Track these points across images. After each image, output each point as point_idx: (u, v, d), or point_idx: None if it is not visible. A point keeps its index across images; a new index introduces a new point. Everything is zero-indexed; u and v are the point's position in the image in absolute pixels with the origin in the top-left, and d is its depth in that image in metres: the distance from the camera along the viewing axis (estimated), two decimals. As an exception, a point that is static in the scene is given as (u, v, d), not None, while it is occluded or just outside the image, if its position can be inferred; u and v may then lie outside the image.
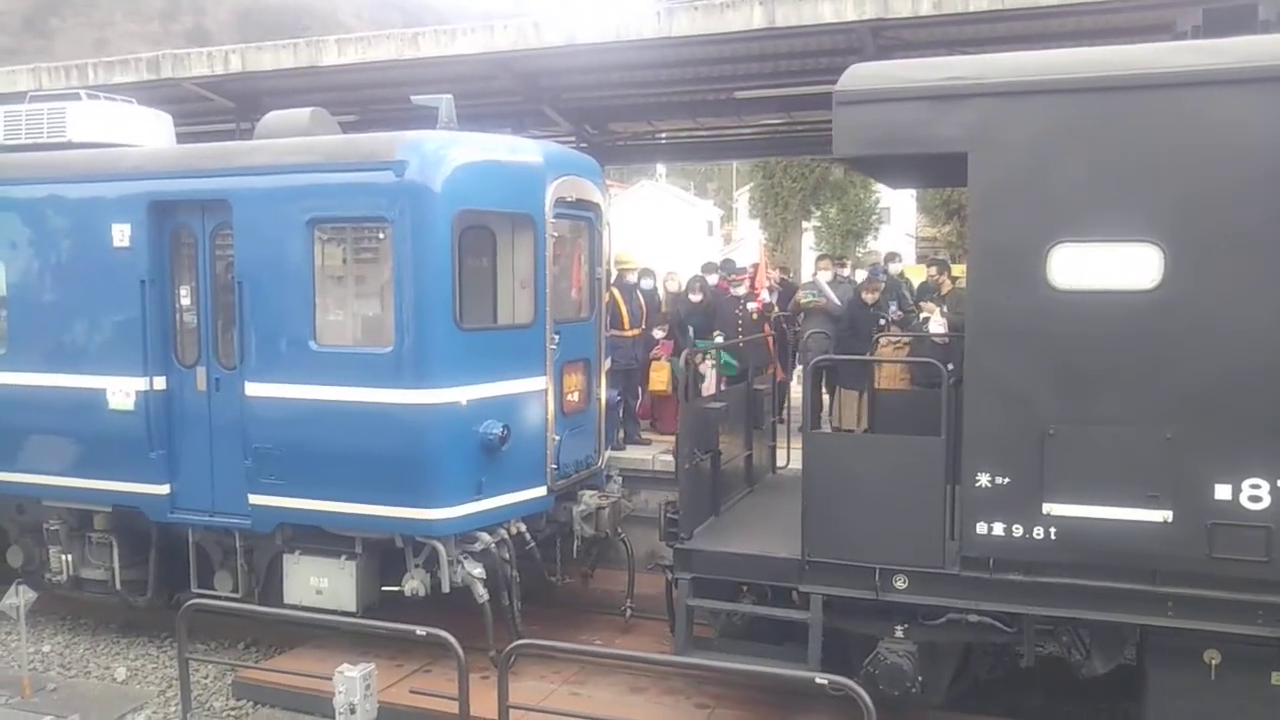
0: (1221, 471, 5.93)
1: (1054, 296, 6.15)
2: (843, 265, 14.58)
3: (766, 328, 12.41)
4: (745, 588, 7.63)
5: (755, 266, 13.92)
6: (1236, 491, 5.90)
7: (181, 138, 11.25)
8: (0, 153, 10.00)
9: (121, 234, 9.13)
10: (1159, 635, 6.39)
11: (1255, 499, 5.88)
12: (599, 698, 8.18)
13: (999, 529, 6.32)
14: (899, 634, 6.93)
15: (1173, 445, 5.97)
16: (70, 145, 9.93)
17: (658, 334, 12.96)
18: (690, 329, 12.34)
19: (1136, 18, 10.10)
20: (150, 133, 10.46)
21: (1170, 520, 6.00)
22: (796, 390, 13.85)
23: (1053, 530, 6.22)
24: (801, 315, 13.20)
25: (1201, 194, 5.91)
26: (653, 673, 8.43)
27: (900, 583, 6.73)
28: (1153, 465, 6.02)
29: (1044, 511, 6.21)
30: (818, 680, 5.83)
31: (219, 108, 14.77)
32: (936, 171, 7.64)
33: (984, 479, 6.30)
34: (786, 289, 14.65)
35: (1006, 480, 6.26)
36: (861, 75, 6.67)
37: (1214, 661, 6.24)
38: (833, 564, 6.88)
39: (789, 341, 13.31)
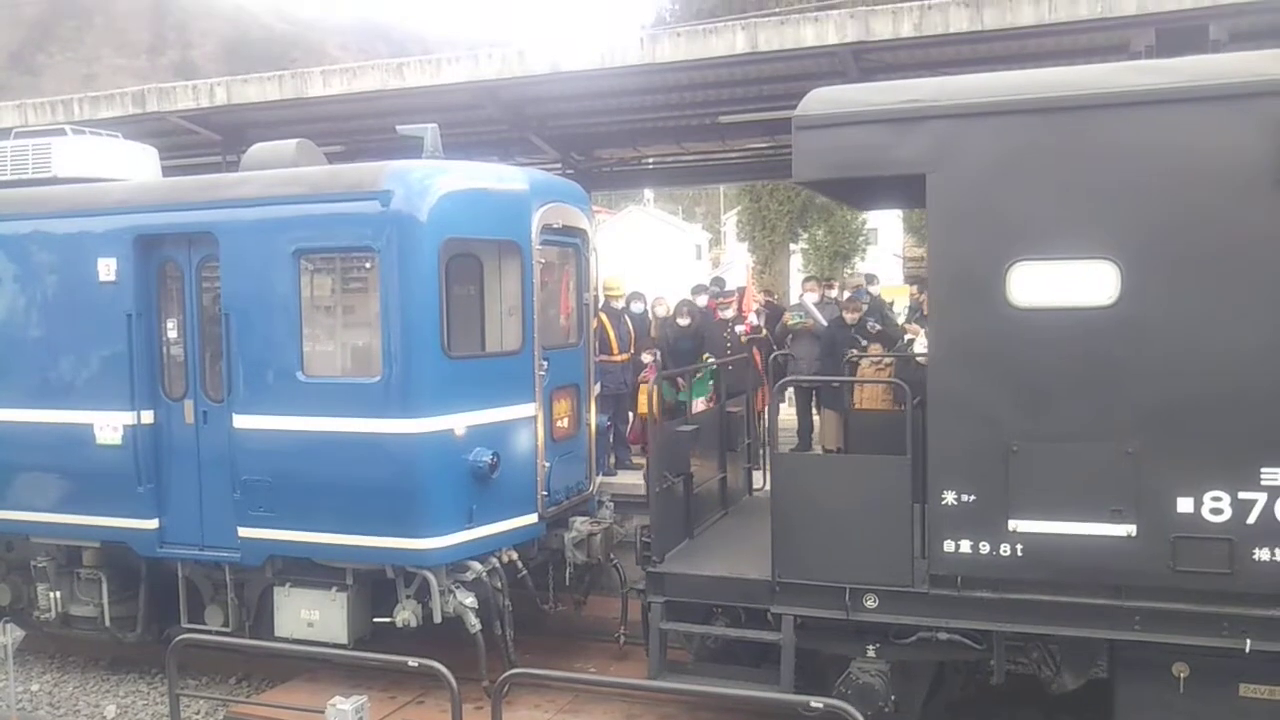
0: (1183, 485, 5.99)
1: (1014, 315, 6.23)
2: (830, 286, 14.66)
3: (755, 350, 12.48)
4: (719, 610, 7.61)
5: (741, 290, 14.00)
6: (1198, 504, 5.96)
7: (168, 171, 11.27)
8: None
9: (107, 268, 9.15)
10: (1127, 649, 6.43)
11: (1217, 511, 5.94)
12: (594, 725, 8.16)
13: (966, 546, 6.37)
14: (871, 653, 6.95)
15: (1135, 460, 6.03)
16: (56, 180, 9.94)
17: (645, 358, 13.00)
18: (658, 353, 12.36)
19: (1118, 36, 10.12)
20: (136, 166, 10.49)
21: (1134, 534, 6.06)
22: (790, 412, 13.99)
23: (1019, 547, 6.27)
24: (790, 337, 13.29)
25: (1156, 210, 6.00)
26: (647, 699, 8.39)
27: (870, 602, 6.76)
28: (1115, 480, 6.07)
29: (1010, 528, 6.26)
30: (812, 704, 5.82)
31: (205, 140, 14.80)
32: (897, 193, 7.73)
33: (950, 497, 6.36)
34: (772, 311, 14.74)
35: (972, 498, 6.32)
36: (820, 100, 6.77)
37: (1182, 674, 6.28)
38: (803, 584, 6.91)
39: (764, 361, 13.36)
